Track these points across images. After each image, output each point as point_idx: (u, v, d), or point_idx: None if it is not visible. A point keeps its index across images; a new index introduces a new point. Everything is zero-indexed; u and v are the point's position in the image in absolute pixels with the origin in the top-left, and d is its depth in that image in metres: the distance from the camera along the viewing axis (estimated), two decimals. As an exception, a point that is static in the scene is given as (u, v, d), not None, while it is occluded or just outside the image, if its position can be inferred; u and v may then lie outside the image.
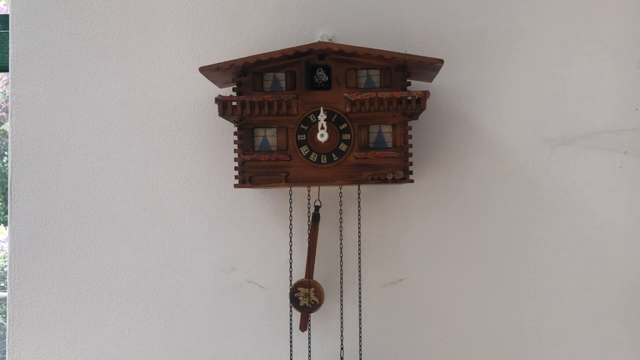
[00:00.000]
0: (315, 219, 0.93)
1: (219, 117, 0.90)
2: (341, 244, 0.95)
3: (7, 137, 1.08)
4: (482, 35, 1.00)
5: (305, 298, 0.92)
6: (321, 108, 0.85)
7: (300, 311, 0.93)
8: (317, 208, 0.94)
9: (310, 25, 1.01)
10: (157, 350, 1.02)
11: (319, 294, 0.92)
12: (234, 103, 0.86)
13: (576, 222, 0.99)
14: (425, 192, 1.00)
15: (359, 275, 0.97)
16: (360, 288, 0.97)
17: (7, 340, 1.03)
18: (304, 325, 0.94)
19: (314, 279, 0.93)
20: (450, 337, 1.00)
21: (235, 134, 0.89)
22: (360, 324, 0.96)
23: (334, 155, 0.87)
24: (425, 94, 0.85)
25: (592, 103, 0.99)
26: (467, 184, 1.00)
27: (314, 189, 0.95)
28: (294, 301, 0.93)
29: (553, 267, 0.99)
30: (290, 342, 0.95)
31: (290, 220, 0.95)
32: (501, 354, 0.99)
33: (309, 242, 0.93)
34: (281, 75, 0.88)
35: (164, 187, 1.02)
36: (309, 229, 0.94)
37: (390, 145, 0.87)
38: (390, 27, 1.00)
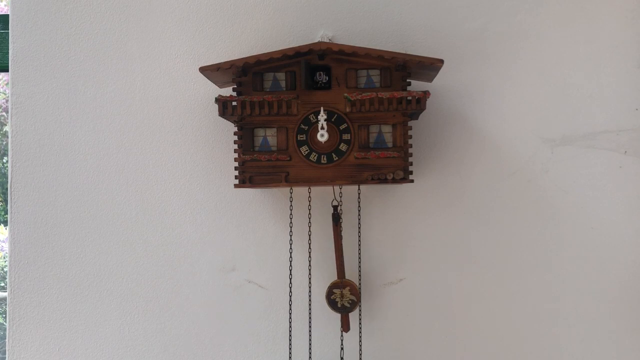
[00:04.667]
0: (335, 219, 0.93)
1: (219, 117, 0.90)
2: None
3: (7, 137, 1.08)
4: (482, 35, 1.00)
5: (342, 298, 0.92)
6: (321, 108, 0.85)
7: (339, 312, 0.93)
8: (335, 208, 0.93)
9: (310, 25, 1.01)
10: (157, 350, 1.02)
11: (355, 291, 0.93)
12: (234, 103, 0.86)
13: (576, 222, 0.99)
14: (425, 192, 1.00)
15: (359, 275, 0.97)
16: (360, 288, 0.97)
17: (7, 340, 1.03)
18: (347, 325, 0.94)
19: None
20: (450, 337, 1.00)
21: (235, 134, 0.89)
22: (360, 324, 0.96)
23: (334, 155, 0.87)
24: (425, 94, 0.85)
25: (592, 103, 0.99)
26: (467, 184, 1.00)
27: (329, 189, 0.95)
28: (332, 304, 0.93)
29: (553, 267, 0.99)
30: (290, 342, 0.95)
31: (291, 220, 0.95)
32: (501, 354, 0.99)
33: (334, 242, 0.93)
34: (281, 75, 0.88)
35: (164, 187, 1.02)
36: (309, 225, 0.94)
37: (390, 145, 0.87)
38: (390, 26, 1.00)
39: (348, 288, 0.93)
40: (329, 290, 0.93)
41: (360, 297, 0.93)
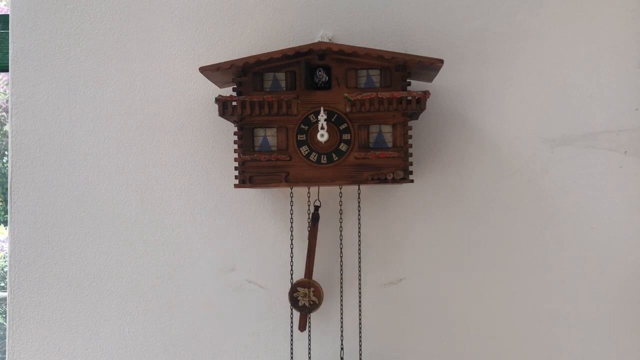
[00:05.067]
0: (314, 219, 0.93)
1: (219, 117, 0.90)
2: (341, 244, 0.95)
3: (7, 137, 1.08)
4: (482, 35, 1.00)
5: (305, 298, 0.92)
6: (321, 108, 0.85)
7: (299, 311, 0.93)
8: (316, 208, 0.94)
9: (310, 25, 1.01)
10: (157, 350, 1.02)
11: (318, 293, 0.92)
12: (234, 103, 0.86)
13: (576, 222, 0.99)
14: (425, 192, 1.00)
15: (359, 275, 0.97)
16: (360, 288, 0.97)
17: (7, 340, 1.03)
18: (304, 325, 0.94)
19: (313, 279, 0.93)
20: (449, 337, 1.00)
21: (235, 134, 0.89)
22: (360, 324, 0.96)
23: (334, 155, 0.87)
24: (425, 94, 0.85)
25: (592, 103, 0.99)
26: (467, 184, 1.00)
27: (314, 189, 0.95)
28: (293, 301, 0.93)
29: (553, 267, 0.99)
30: (291, 342, 0.95)
31: (291, 220, 0.95)
32: (501, 354, 0.99)
33: (308, 241, 0.93)
34: (281, 75, 0.88)
35: (164, 187, 1.02)
36: (308, 228, 0.94)
37: (390, 145, 0.87)
38: (390, 26, 1.00)
39: (312, 289, 0.92)
40: (294, 287, 0.93)
41: (322, 300, 0.93)
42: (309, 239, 0.93)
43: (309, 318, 0.95)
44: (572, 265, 0.99)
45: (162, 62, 1.02)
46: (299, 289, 0.93)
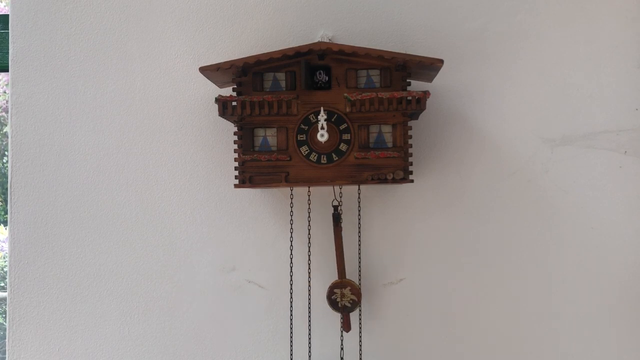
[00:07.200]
0: (336, 219, 0.93)
1: (219, 117, 0.90)
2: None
3: (7, 137, 1.08)
4: (482, 35, 1.00)
5: (343, 298, 0.92)
6: (321, 108, 0.85)
7: (340, 312, 0.93)
8: (335, 208, 0.93)
9: (310, 25, 1.01)
10: (157, 350, 1.02)
11: (356, 291, 0.93)
12: (234, 103, 0.86)
13: (576, 222, 0.99)
14: (425, 192, 1.00)
15: (359, 275, 0.97)
16: (360, 288, 0.97)
17: (7, 340, 1.03)
18: (348, 325, 0.94)
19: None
20: (450, 337, 1.00)
21: (235, 134, 0.89)
22: (360, 323, 0.96)
23: (334, 155, 0.87)
24: (425, 94, 0.85)
25: (592, 103, 0.99)
26: (467, 184, 1.00)
27: (329, 189, 0.95)
28: (333, 304, 0.93)
29: (553, 267, 0.99)
30: (291, 342, 0.95)
31: (291, 220, 0.95)
32: (501, 354, 0.99)
33: (335, 242, 0.93)
34: (281, 75, 0.88)
35: (164, 187, 1.02)
36: (308, 228, 0.94)
37: (390, 145, 0.87)
38: (390, 26, 1.00)
39: (349, 288, 0.93)
40: (330, 290, 0.93)
41: (360, 297, 0.93)
42: (334, 239, 0.93)
43: (309, 319, 0.95)
44: (572, 265, 0.99)
45: (162, 62, 1.02)
46: (335, 290, 0.93)
